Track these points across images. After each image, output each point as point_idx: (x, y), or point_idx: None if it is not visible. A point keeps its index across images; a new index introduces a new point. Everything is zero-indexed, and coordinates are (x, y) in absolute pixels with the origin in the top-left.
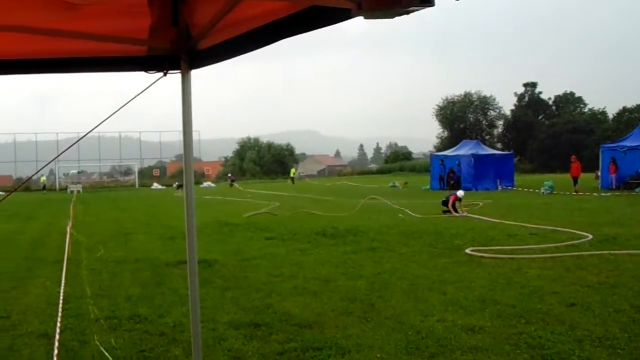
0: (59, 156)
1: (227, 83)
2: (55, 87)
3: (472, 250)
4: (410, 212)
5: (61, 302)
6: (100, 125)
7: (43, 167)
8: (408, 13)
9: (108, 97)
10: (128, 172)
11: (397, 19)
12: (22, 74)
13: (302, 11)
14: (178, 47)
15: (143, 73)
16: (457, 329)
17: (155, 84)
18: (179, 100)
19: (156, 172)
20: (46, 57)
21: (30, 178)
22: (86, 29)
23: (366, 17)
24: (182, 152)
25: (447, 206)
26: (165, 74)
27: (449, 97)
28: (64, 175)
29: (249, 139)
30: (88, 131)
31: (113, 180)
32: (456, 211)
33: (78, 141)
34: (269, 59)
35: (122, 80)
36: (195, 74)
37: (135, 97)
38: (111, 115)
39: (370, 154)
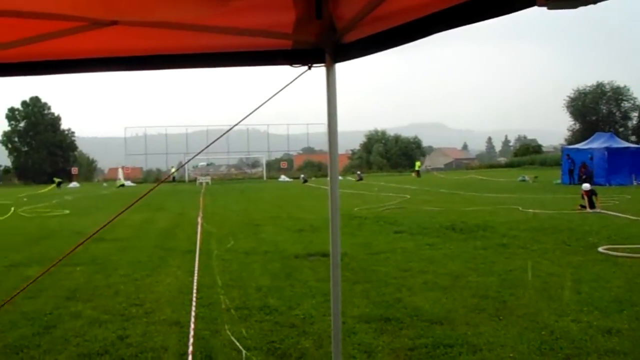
0: (207, 147)
1: (353, 75)
2: (183, 82)
3: (605, 249)
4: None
5: (195, 291)
6: (228, 118)
7: (191, 159)
8: (595, 2)
9: (234, 91)
10: (255, 164)
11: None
12: (170, 68)
13: (465, 3)
14: (322, 41)
15: (273, 67)
16: (592, 330)
17: (280, 76)
18: (305, 93)
19: (283, 164)
20: (194, 52)
21: (177, 169)
22: (233, 24)
23: (550, 7)
24: (308, 145)
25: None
26: (309, 68)
27: (580, 88)
28: (193, 167)
29: (376, 131)
30: (236, 123)
31: (240, 172)
32: (592, 207)
33: (227, 131)
34: (395, 50)
35: (248, 75)
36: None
37: (281, 90)
38: (258, 108)
39: (498, 146)
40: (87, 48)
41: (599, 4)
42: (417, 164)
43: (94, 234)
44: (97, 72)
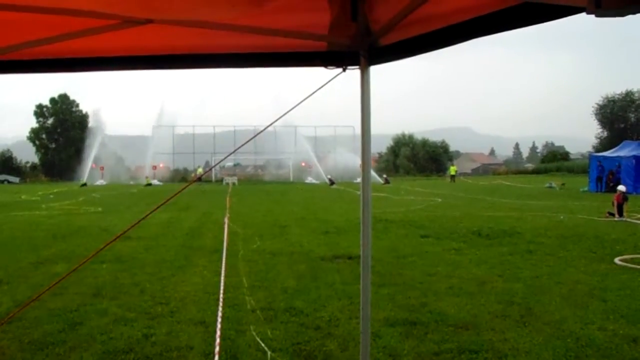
0: (238, 149)
1: (380, 78)
2: (211, 83)
3: (621, 259)
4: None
5: (222, 291)
6: (257, 119)
7: (221, 161)
8: None
9: (263, 92)
10: (282, 165)
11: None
12: (205, 67)
13: (506, 8)
14: (357, 43)
15: (301, 69)
16: (618, 338)
17: (309, 79)
18: (334, 95)
19: (310, 166)
20: (229, 52)
21: (206, 172)
22: (268, 25)
23: (598, 15)
24: (335, 147)
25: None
26: (344, 70)
27: (609, 96)
28: (220, 167)
29: (403, 135)
30: (268, 124)
31: (267, 173)
32: (621, 214)
33: (258, 134)
34: (422, 54)
35: (273, 75)
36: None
37: (314, 92)
38: (291, 109)
39: (525, 152)
40: (120, 46)
41: None
42: (453, 168)
43: (123, 232)
44: (130, 70)
